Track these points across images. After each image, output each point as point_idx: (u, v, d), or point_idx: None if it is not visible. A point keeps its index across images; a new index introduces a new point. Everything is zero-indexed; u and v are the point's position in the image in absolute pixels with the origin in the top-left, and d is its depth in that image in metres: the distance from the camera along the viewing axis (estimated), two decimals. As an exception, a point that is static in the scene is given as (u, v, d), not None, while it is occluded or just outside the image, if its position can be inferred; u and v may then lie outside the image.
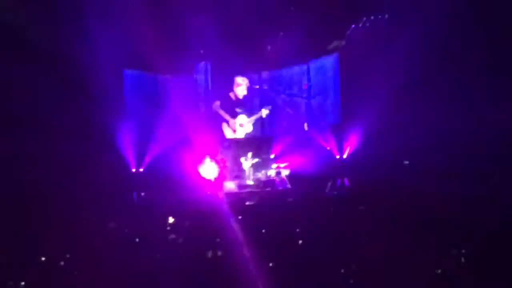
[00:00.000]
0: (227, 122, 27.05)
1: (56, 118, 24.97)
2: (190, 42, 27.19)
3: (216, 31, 26.96)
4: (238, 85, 26.88)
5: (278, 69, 29.27)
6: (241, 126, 27.34)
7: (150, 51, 26.36)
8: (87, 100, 25.45)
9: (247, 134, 27.46)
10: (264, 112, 27.16)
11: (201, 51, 27.32)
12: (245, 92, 27.01)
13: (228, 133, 27.29)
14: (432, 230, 17.74)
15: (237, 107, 27.20)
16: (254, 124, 27.59)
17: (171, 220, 20.76)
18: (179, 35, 27.10)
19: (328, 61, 28.92)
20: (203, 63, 28.31)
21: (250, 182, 26.30)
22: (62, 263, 16.76)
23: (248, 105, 27.54)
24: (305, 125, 28.46)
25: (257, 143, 27.75)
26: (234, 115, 27.09)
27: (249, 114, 27.35)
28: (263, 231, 18.86)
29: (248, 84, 26.97)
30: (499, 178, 23.31)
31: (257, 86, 27.80)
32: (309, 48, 28.44)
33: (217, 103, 26.96)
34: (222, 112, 26.86)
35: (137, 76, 27.48)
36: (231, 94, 27.10)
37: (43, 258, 17.05)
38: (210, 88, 28.27)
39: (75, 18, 25.05)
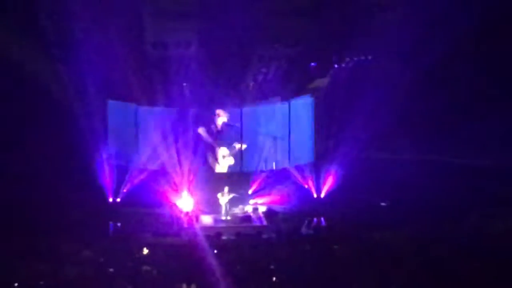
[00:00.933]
0: (211, 149, 27.35)
1: (36, 145, 24.96)
2: (173, 75, 27.26)
3: (200, 65, 27.07)
4: (219, 115, 27.35)
5: (259, 105, 29.23)
6: (223, 158, 27.54)
7: (134, 82, 26.43)
8: (68, 128, 25.46)
9: (230, 166, 27.63)
10: (243, 146, 27.38)
11: (184, 84, 27.36)
12: (225, 119, 27.45)
13: (213, 165, 27.50)
14: (408, 272, 17.81)
15: (216, 139, 27.52)
16: (234, 159, 27.76)
17: (145, 251, 20.71)
18: (162, 68, 27.18)
19: (309, 100, 29.01)
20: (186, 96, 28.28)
21: (226, 217, 26.37)
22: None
23: (225, 138, 27.73)
24: (273, 164, 28.58)
25: (236, 178, 27.88)
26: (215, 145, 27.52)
27: (228, 147, 27.56)
28: (238, 267, 18.85)
29: (228, 118, 27.40)
30: (475, 219, 23.53)
31: (238, 124, 27.94)
32: (291, 86, 28.55)
33: (202, 128, 27.27)
34: (206, 135, 27.20)
35: (120, 106, 27.44)
36: (212, 127, 27.43)
37: (16, 284, 16.97)
38: (191, 121, 28.24)
39: (62, 47, 25.17)
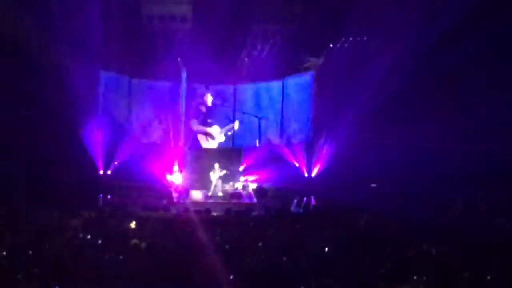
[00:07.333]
0: (203, 133, 27.34)
1: (26, 114, 24.92)
2: (168, 49, 27.18)
3: (195, 40, 26.99)
4: (206, 94, 27.41)
5: (254, 83, 29.13)
6: (213, 138, 27.52)
7: (128, 54, 26.34)
8: (60, 98, 25.36)
9: (220, 143, 27.62)
10: (236, 124, 27.31)
11: (178, 59, 27.27)
12: (211, 98, 27.46)
13: (203, 142, 27.46)
14: (395, 254, 17.85)
15: (208, 117, 27.44)
16: (225, 136, 27.73)
17: (133, 225, 20.69)
18: (157, 41, 27.11)
19: (304, 79, 28.95)
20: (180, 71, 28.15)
21: (217, 193, 26.36)
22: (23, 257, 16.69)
23: (216, 116, 27.69)
24: (257, 141, 28.43)
25: (227, 155, 27.83)
26: (206, 124, 27.34)
27: (220, 125, 27.51)
28: (227, 246, 18.83)
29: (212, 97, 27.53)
30: (462, 206, 23.57)
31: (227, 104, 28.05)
32: (286, 64, 28.48)
33: (194, 121, 27.26)
34: (200, 127, 27.23)
35: (113, 78, 27.33)
36: (201, 107, 27.39)
37: (4, 253, 16.98)
38: (185, 96, 28.13)
39: (54, 18, 25.04)
